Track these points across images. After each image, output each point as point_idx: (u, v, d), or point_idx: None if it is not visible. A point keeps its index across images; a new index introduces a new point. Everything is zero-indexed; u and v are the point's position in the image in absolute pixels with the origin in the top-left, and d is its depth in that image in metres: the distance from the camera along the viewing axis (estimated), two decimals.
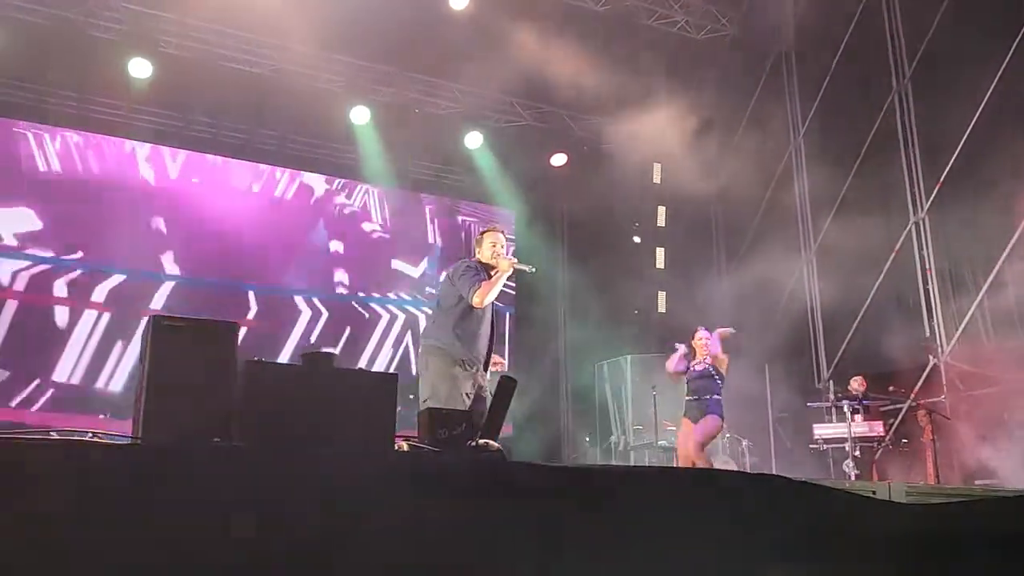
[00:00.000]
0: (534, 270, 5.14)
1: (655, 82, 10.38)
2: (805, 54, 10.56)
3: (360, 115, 10.34)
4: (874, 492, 3.27)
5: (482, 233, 5.14)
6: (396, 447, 2.80)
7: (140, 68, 9.12)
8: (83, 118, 9.51)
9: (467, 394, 4.61)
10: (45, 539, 2.14)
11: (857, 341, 9.52)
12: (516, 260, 4.92)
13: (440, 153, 11.46)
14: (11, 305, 9.02)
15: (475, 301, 4.73)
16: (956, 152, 8.38)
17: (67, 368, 9.19)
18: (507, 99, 11.13)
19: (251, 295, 10.36)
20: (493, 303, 4.90)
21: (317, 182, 11.05)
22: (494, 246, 4.97)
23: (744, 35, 10.75)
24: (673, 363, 7.22)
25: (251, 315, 10.26)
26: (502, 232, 5.13)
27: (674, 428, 8.99)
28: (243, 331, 10.00)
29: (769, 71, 11.04)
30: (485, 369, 4.86)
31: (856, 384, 8.42)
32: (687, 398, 7.11)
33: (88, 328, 9.32)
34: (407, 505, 2.60)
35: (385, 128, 10.59)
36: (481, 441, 3.01)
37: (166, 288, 9.88)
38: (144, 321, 2.95)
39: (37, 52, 8.71)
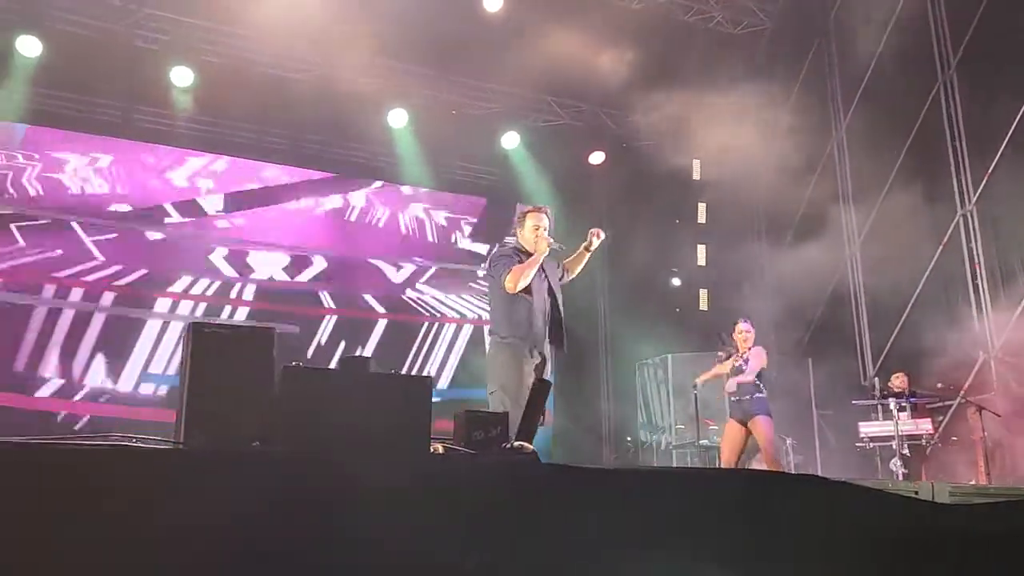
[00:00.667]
0: (563, 247, 5.05)
1: (693, 78, 10.29)
2: (846, 46, 10.39)
3: (398, 118, 10.41)
4: (916, 492, 3.21)
5: (524, 213, 5.00)
6: (432, 449, 2.83)
7: (182, 77, 9.30)
8: (127, 127, 9.70)
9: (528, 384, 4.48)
10: (89, 542, 2.20)
11: (904, 336, 9.35)
12: (552, 240, 4.84)
13: (477, 154, 11.48)
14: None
15: (508, 286, 4.67)
16: (1004, 142, 8.19)
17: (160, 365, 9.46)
18: (544, 98, 11.14)
19: (325, 296, 10.52)
20: (549, 281, 4.82)
21: (362, 187, 11.14)
22: (536, 228, 4.86)
23: (783, 28, 10.61)
24: (731, 386, 6.93)
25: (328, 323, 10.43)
26: (546, 213, 5.00)
27: (716, 427, 8.93)
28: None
29: (809, 64, 10.89)
30: (560, 346, 4.80)
31: (897, 381, 8.27)
32: (731, 398, 7.02)
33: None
34: (442, 507, 2.63)
35: (423, 130, 10.66)
36: (516, 443, 3.03)
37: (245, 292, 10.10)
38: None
39: (83, 63, 8.91)
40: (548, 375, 4.76)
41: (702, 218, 11.70)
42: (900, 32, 9.54)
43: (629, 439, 10.48)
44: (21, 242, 9.08)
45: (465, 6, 9.38)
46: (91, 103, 9.47)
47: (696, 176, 11.67)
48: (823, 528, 2.82)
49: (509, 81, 10.76)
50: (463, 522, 2.57)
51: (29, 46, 8.70)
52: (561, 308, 4.90)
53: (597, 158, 11.78)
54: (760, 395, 6.77)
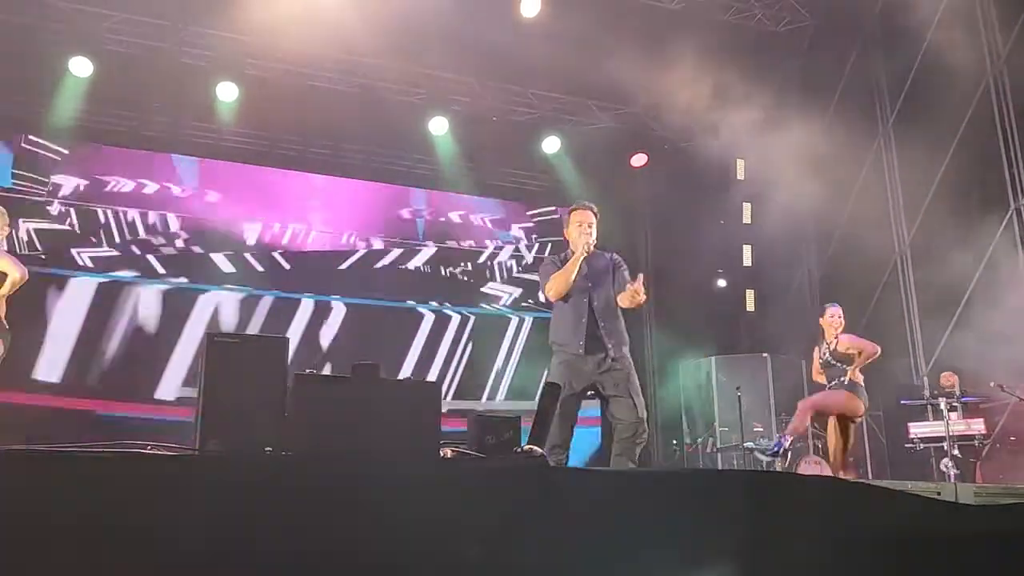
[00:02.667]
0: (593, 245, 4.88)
1: (735, 77, 10.18)
2: (891, 39, 10.17)
3: (438, 126, 10.52)
4: (938, 492, 3.15)
5: (570, 211, 4.97)
6: (441, 454, 2.87)
7: (227, 91, 9.54)
8: (175, 141, 9.98)
9: (573, 385, 4.54)
10: (104, 548, 2.28)
11: (957, 335, 9.11)
12: (592, 241, 4.74)
13: (518, 159, 11.52)
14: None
15: (550, 295, 4.71)
16: None
17: None
18: (584, 101, 11.13)
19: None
20: (590, 286, 4.74)
21: (408, 194, 11.29)
22: (580, 225, 4.81)
23: (825, 24, 10.42)
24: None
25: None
26: (591, 209, 4.92)
27: (761, 429, 8.84)
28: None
29: (854, 60, 10.69)
30: (615, 349, 4.70)
31: (946, 380, 8.08)
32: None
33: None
34: (452, 511, 2.66)
35: (463, 137, 10.74)
36: (525, 447, 3.06)
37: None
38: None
39: (132, 80, 9.20)
40: (617, 380, 4.68)
41: (747, 218, 11.57)
42: (947, 24, 9.31)
43: (675, 442, 10.39)
44: None
45: (502, 12, 9.41)
46: (140, 120, 9.75)
47: (740, 176, 11.55)
48: (838, 529, 2.78)
49: (548, 85, 10.79)
50: (470, 525, 2.60)
51: (81, 67, 9.02)
52: (601, 314, 4.78)
53: (639, 160, 11.73)
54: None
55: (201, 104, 9.66)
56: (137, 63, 9.26)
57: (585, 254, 4.70)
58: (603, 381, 4.70)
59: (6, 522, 2.17)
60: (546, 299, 4.86)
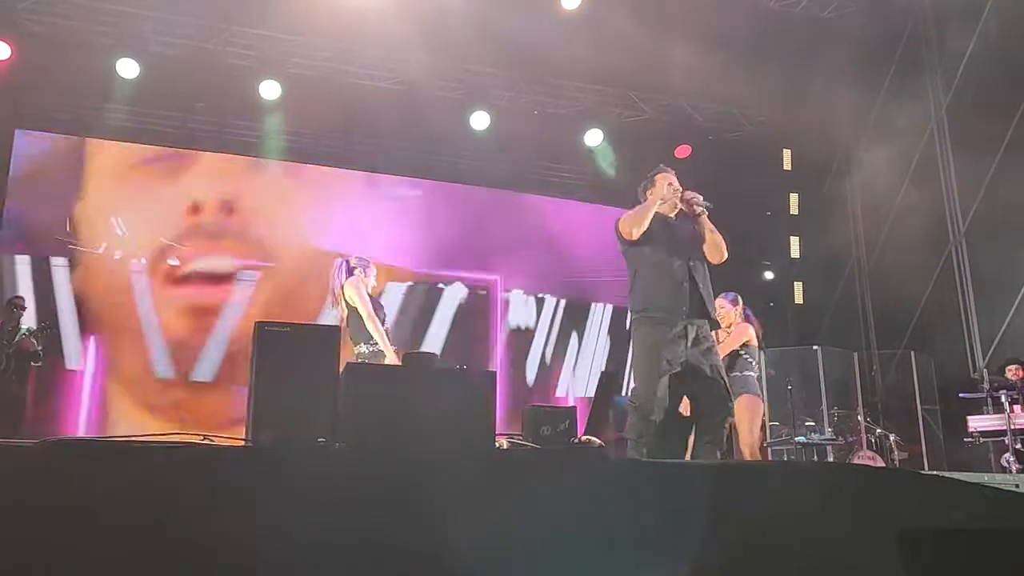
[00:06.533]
0: (710, 206, 4.55)
1: (781, 65, 9.99)
2: (943, 25, 9.90)
3: (480, 120, 10.47)
4: (1017, 486, 3.01)
5: (653, 176, 4.60)
6: (497, 445, 2.81)
7: (270, 90, 9.59)
8: (220, 140, 10.07)
9: (670, 361, 4.09)
10: (161, 536, 2.26)
11: (1016, 326, 8.84)
12: (699, 199, 4.43)
13: (561, 153, 11.43)
14: None
15: (623, 230, 4.34)
16: None
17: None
18: (627, 93, 11.00)
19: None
20: (688, 255, 4.36)
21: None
22: (671, 185, 4.48)
23: (873, 9, 10.17)
24: None
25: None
26: (672, 172, 4.61)
27: (813, 423, 8.66)
28: None
29: (904, 46, 10.41)
30: (707, 319, 4.30)
31: (1011, 374, 7.82)
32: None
33: None
34: (506, 502, 2.60)
35: (505, 131, 10.68)
36: (584, 438, 2.98)
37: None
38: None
39: (176, 81, 9.29)
40: (709, 358, 4.24)
41: (794, 209, 11.37)
42: (1001, 6, 9.03)
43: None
44: None
45: (543, 5, 9.34)
46: (185, 119, 9.86)
47: (787, 166, 11.36)
48: (904, 519, 2.68)
49: (590, 78, 10.68)
50: (525, 516, 2.54)
51: (128, 68, 9.14)
52: (703, 280, 4.40)
53: (683, 152, 11.56)
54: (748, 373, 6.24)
55: (245, 103, 9.73)
56: (180, 64, 9.33)
57: (665, 200, 4.38)
58: (696, 357, 4.24)
59: (60, 513, 2.16)
60: (632, 255, 4.39)
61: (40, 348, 7.72)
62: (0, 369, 7.36)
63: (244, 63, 9.66)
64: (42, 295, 8.95)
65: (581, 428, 3.29)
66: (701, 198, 4.49)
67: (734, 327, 6.37)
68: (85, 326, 9.15)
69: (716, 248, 4.47)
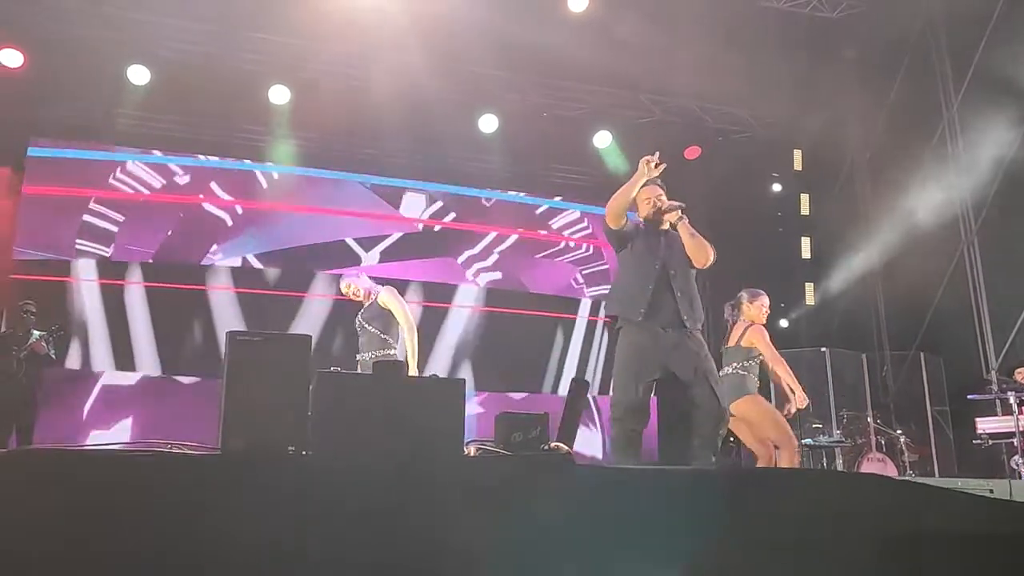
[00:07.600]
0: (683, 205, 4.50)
1: (790, 65, 9.93)
2: (954, 24, 9.79)
3: (488, 123, 10.49)
4: (991, 491, 2.99)
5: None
6: (466, 453, 2.83)
7: (279, 95, 9.67)
8: (227, 145, 10.16)
9: (646, 370, 4.02)
10: (127, 547, 2.30)
11: None
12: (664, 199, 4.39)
13: (569, 155, 11.43)
14: None
15: (611, 219, 4.28)
16: None
17: None
18: (635, 95, 10.97)
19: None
20: (668, 264, 4.29)
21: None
22: (648, 200, 4.43)
23: (883, 10, 10.07)
24: None
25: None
26: (656, 184, 4.51)
27: (820, 425, 8.61)
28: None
29: (914, 45, 10.31)
30: (691, 322, 4.17)
31: (1020, 376, 7.74)
32: None
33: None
34: (475, 509, 2.62)
35: (514, 134, 10.69)
36: (552, 444, 2.99)
37: None
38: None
39: (184, 86, 9.37)
40: (694, 362, 4.11)
41: (805, 210, 11.30)
42: (1012, 3, 8.93)
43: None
44: None
45: (549, 7, 9.35)
46: (195, 125, 9.95)
47: (797, 167, 11.29)
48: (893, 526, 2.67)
49: (598, 80, 10.65)
50: (494, 523, 2.56)
51: (138, 74, 9.25)
52: (683, 288, 4.28)
53: (693, 153, 11.51)
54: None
55: (254, 108, 9.79)
56: (188, 69, 9.42)
57: (647, 177, 4.26)
58: (676, 362, 4.13)
59: (26, 521, 2.20)
60: (623, 254, 4.35)
61: (52, 351, 7.81)
62: (11, 372, 7.47)
63: (253, 68, 9.73)
64: (56, 299, 9.07)
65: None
66: (673, 203, 4.44)
67: (753, 327, 6.23)
68: (96, 329, 9.28)
69: (699, 251, 4.38)
